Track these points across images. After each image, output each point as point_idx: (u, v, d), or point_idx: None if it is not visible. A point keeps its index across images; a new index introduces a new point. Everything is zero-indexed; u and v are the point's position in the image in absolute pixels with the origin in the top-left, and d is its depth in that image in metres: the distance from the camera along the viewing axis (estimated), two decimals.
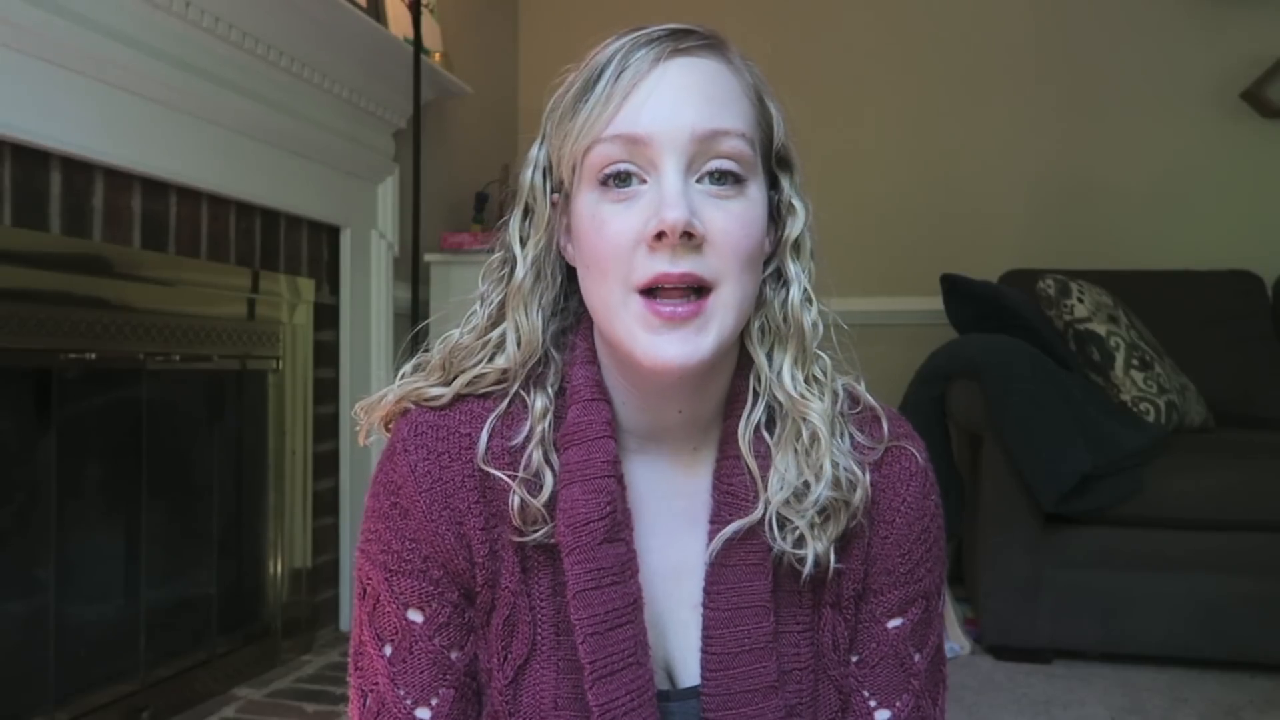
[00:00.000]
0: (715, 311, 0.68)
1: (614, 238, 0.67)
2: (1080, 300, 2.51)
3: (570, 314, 0.78)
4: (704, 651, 0.72)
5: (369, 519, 0.74)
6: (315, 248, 2.31)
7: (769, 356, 0.75)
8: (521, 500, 0.70)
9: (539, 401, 0.73)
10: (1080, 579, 2.18)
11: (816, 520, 0.72)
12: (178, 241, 1.86)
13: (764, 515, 0.72)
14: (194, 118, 1.84)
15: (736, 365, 0.76)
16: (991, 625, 2.23)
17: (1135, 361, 2.45)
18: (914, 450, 0.77)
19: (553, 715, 0.70)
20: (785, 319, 0.74)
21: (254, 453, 2.15)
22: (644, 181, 0.68)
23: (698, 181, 0.68)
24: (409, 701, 0.71)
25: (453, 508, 0.71)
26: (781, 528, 0.72)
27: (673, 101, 0.67)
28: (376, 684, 0.72)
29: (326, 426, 2.34)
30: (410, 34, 2.46)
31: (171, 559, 1.92)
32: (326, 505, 2.34)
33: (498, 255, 0.77)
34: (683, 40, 0.69)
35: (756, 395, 0.75)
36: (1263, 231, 3.01)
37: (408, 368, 0.78)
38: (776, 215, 0.75)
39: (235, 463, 2.11)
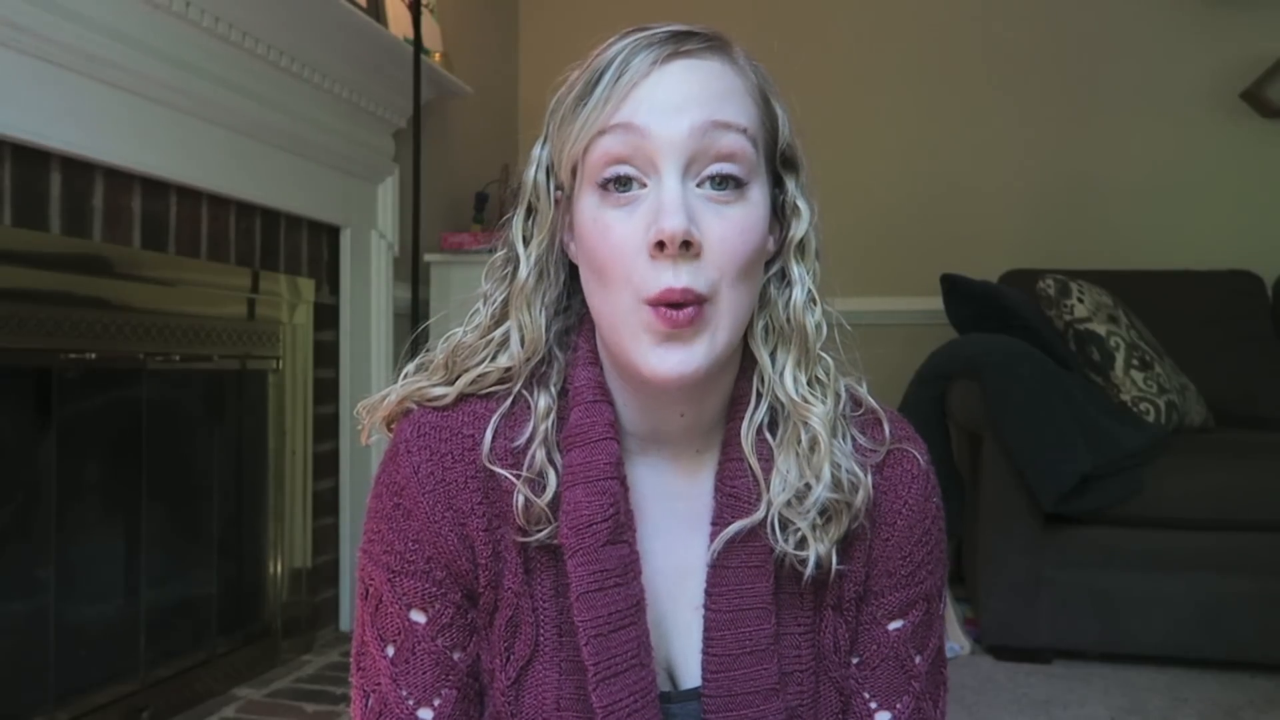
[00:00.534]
0: (710, 321, 0.67)
1: (618, 246, 0.67)
2: (1080, 300, 2.51)
3: (573, 313, 0.77)
4: (705, 653, 0.72)
5: (371, 519, 0.74)
6: (315, 248, 2.31)
7: (772, 357, 0.75)
8: (525, 500, 0.70)
9: (542, 401, 0.73)
10: (1080, 579, 2.18)
11: (818, 521, 0.72)
12: (178, 241, 1.86)
13: (766, 517, 0.72)
14: (194, 118, 1.84)
15: (740, 366, 0.76)
16: (991, 625, 2.23)
17: (1135, 361, 2.45)
18: (916, 453, 0.77)
19: (555, 716, 0.70)
20: (789, 320, 0.74)
21: (254, 453, 2.15)
22: (644, 185, 0.67)
23: (698, 186, 0.67)
24: (411, 702, 0.71)
25: (456, 509, 0.71)
26: (783, 529, 0.72)
27: (673, 98, 0.67)
28: (379, 684, 0.72)
29: (326, 426, 2.34)
30: (410, 34, 2.46)
31: (171, 559, 1.92)
32: (326, 505, 2.34)
33: (500, 254, 0.77)
34: (684, 42, 0.68)
35: (759, 396, 0.75)
36: (1263, 231, 3.01)
37: (410, 367, 0.78)
38: (781, 215, 0.75)
39: (235, 463, 2.10)
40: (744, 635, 0.71)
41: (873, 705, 0.76)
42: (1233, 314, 2.83)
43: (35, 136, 1.51)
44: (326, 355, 2.34)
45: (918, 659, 0.77)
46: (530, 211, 0.75)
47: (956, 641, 2.25)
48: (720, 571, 0.72)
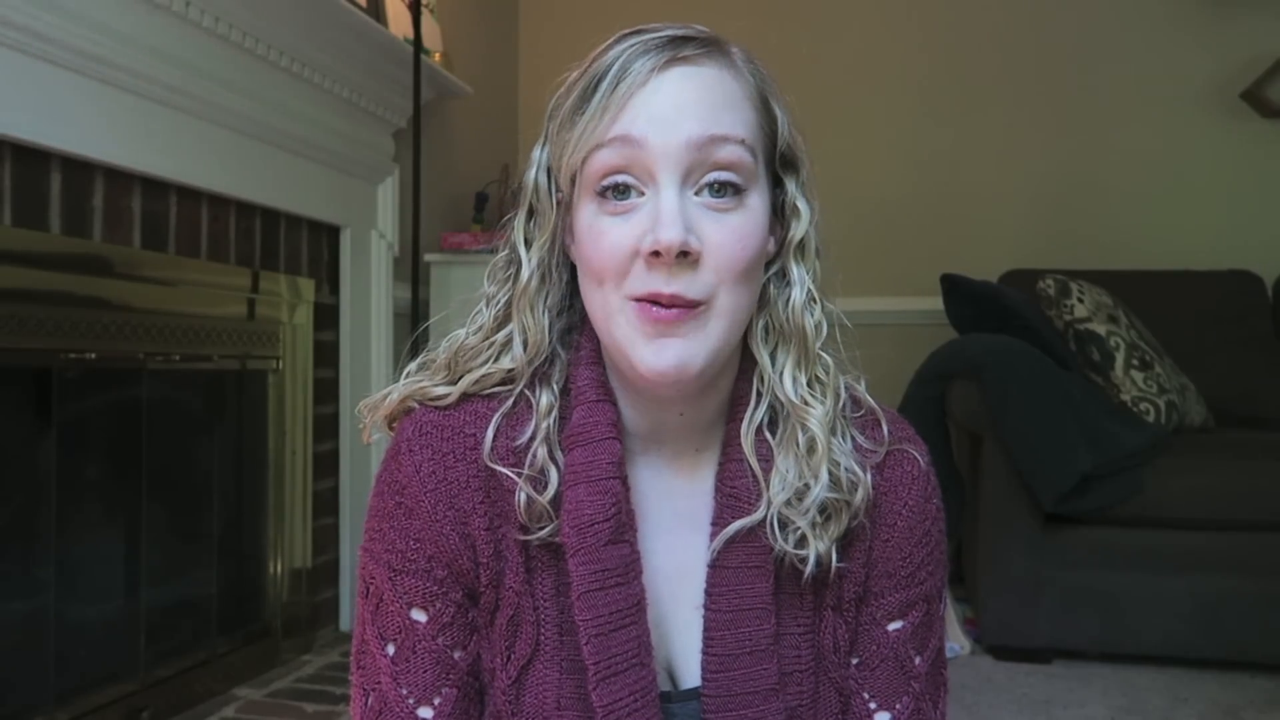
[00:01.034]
0: (707, 323, 0.68)
1: (610, 249, 0.67)
2: (1080, 300, 2.51)
3: (576, 312, 0.77)
4: (705, 653, 0.72)
5: (373, 518, 0.74)
6: (315, 248, 2.31)
7: (772, 357, 0.75)
8: (527, 497, 0.70)
9: (544, 398, 0.73)
10: (1080, 579, 2.18)
11: (818, 520, 0.72)
12: (178, 241, 1.86)
13: (766, 516, 0.72)
14: (194, 118, 1.84)
15: (739, 367, 0.76)
16: (991, 625, 2.23)
17: (1135, 361, 2.45)
18: (916, 454, 0.77)
19: (555, 715, 0.70)
20: (788, 320, 0.74)
21: (254, 453, 2.15)
22: (642, 194, 0.67)
23: (696, 194, 0.67)
24: (411, 701, 0.71)
25: (457, 508, 0.71)
26: (783, 528, 0.72)
27: (670, 109, 0.66)
28: (379, 683, 0.72)
29: (326, 426, 2.34)
30: (410, 34, 2.46)
31: (171, 559, 1.92)
32: (326, 505, 2.34)
33: (502, 255, 0.77)
34: (682, 48, 0.68)
35: (759, 396, 0.75)
36: (1263, 231, 3.01)
37: (412, 366, 0.78)
38: (780, 216, 0.75)
39: (235, 463, 2.11)
40: (744, 635, 0.71)
41: (872, 706, 0.76)
42: (1233, 314, 2.83)
43: (35, 136, 1.51)
44: (326, 355, 2.34)
45: (917, 660, 0.77)
46: (531, 213, 0.75)
47: (956, 641, 2.25)
48: (720, 571, 0.72)
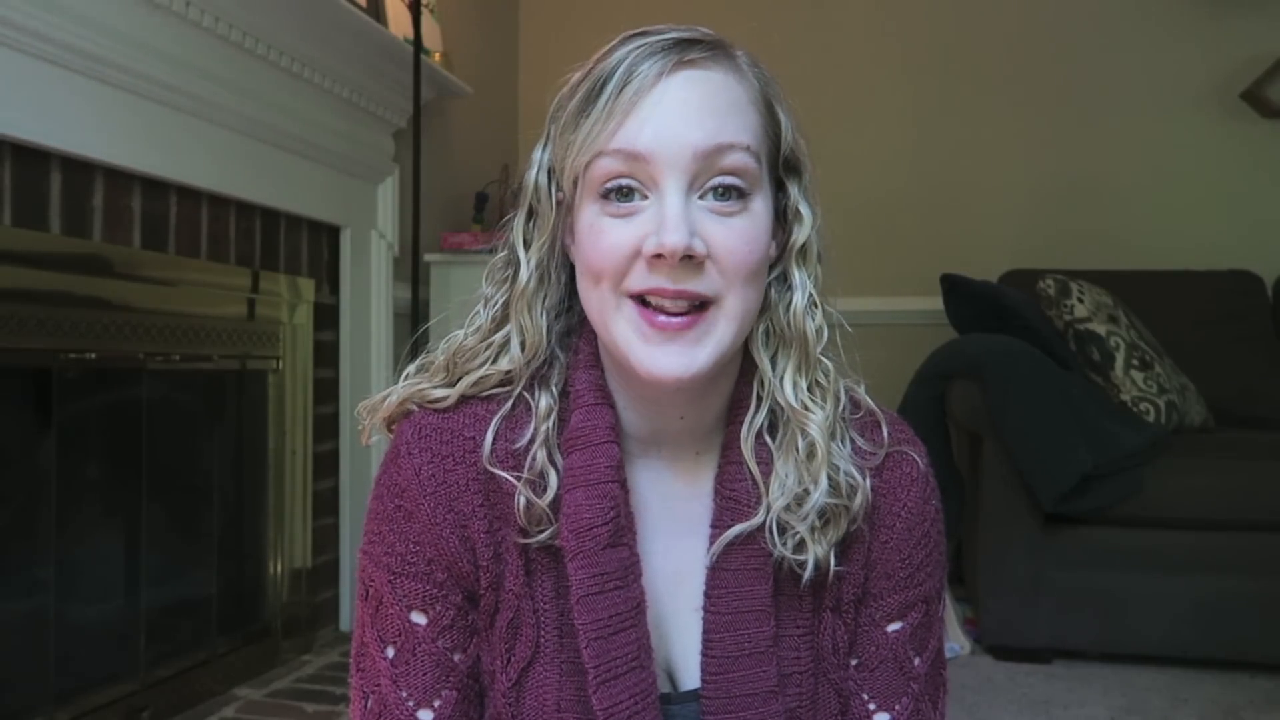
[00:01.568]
0: (716, 323, 0.68)
1: (610, 248, 0.67)
2: (1080, 300, 2.51)
3: (575, 314, 0.77)
4: (704, 655, 0.72)
5: (372, 520, 0.74)
6: (315, 248, 2.31)
7: (772, 361, 0.75)
8: (527, 500, 0.70)
9: (543, 401, 0.73)
10: (1080, 579, 2.18)
11: (817, 524, 0.72)
12: (178, 241, 1.86)
13: (765, 520, 0.72)
14: (194, 118, 1.84)
15: (740, 370, 0.76)
16: (991, 625, 2.23)
17: (1135, 361, 2.45)
18: (915, 455, 0.78)
19: (555, 718, 0.71)
20: (789, 324, 0.74)
21: (254, 453, 2.15)
22: (645, 198, 0.67)
23: (700, 198, 0.67)
24: (411, 703, 0.71)
25: (457, 511, 0.71)
26: (782, 533, 0.72)
27: (675, 118, 0.66)
28: (379, 685, 0.72)
29: (326, 426, 2.34)
30: (410, 34, 2.46)
31: (171, 559, 1.92)
32: (326, 505, 2.34)
33: (501, 256, 0.77)
34: (687, 50, 0.68)
35: (759, 400, 0.75)
36: (1263, 231, 3.01)
37: (411, 368, 0.78)
38: (783, 220, 0.75)
39: (235, 463, 2.11)
40: (743, 637, 0.71)
41: (872, 706, 0.76)
42: (1233, 314, 2.83)
43: (35, 136, 1.51)
44: (326, 355, 2.34)
45: (917, 660, 0.77)
46: (531, 214, 0.75)
47: (956, 641, 2.25)
48: (719, 574, 0.72)
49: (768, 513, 0.72)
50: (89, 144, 1.61)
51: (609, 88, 0.67)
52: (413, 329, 2.52)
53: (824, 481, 0.71)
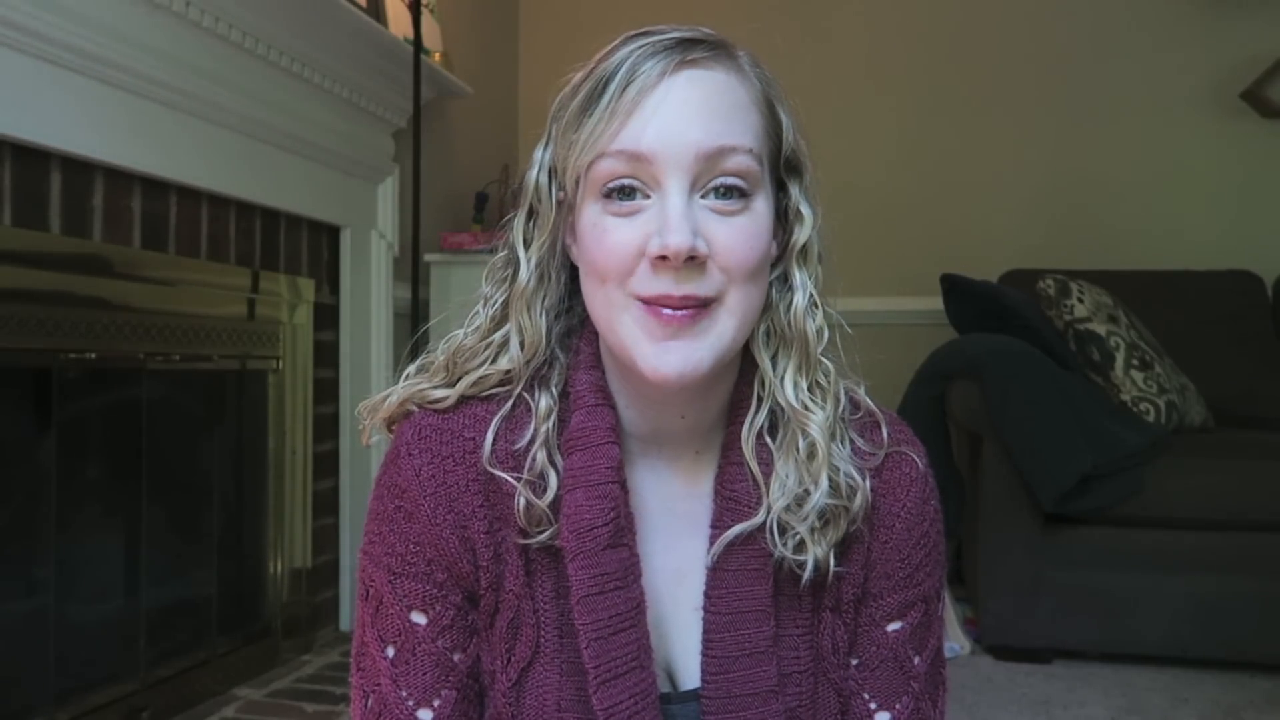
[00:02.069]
0: (718, 320, 0.68)
1: (615, 248, 0.67)
2: (1080, 300, 2.51)
3: (575, 315, 0.77)
4: (704, 655, 0.72)
5: (372, 521, 0.74)
6: (315, 248, 2.31)
7: (773, 361, 0.75)
8: (526, 501, 0.70)
9: (543, 402, 0.73)
10: (1080, 579, 2.18)
11: (816, 525, 0.72)
12: (178, 241, 1.86)
13: (765, 521, 0.72)
14: (194, 118, 1.84)
15: (740, 370, 0.76)
16: (991, 625, 2.23)
17: (1135, 361, 2.45)
18: (914, 456, 0.78)
19: (555, 718, 0.71)
20: (790, 325, 0.74)
21: (254, 453, 2.15)
22: (647, 197, 0.67)
23: (702, 197, 0.67)
24: (411, 703, 0.71)
25: (457, 511, 0.71)
26: (782, 533, 0.72)
27: (678, 119, 0.66)
28: (379, 685, 0.72)
29: (326, 426, 2.34)
30: (410, 34, 2.46)
31: (171, 559, 1.92)
32: (326, 505, 2.34)
33: (501, 255, 0.77)
34: (690, 50, 0.68)
35: (760, 400, 0.75)
36: (1263, 231, 3.01)
37: (412, 368, 0.78)
38: (784, 220, 0.75)
39: (235, 463, 2.11)
40: (743, 637, 0.71)
41: (872, 706, 0.76)
42: (1233, 314, 2.83)
43: (35, 136, 1.51)
44: (326, 355, 2.34)
45: (916, 660, 0.77)
46: (531, 213, 0.75)
47: (956, 641, 2.25)
48: (719, 574, 0.73)
49: (768, 513, 0.72)
50: (89, 144, 1.61)
51: (611, 87, 0.67)
52: (413, 329, 2.52)
53: (824, 482, 0.71)
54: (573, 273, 0.76)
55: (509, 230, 0.76)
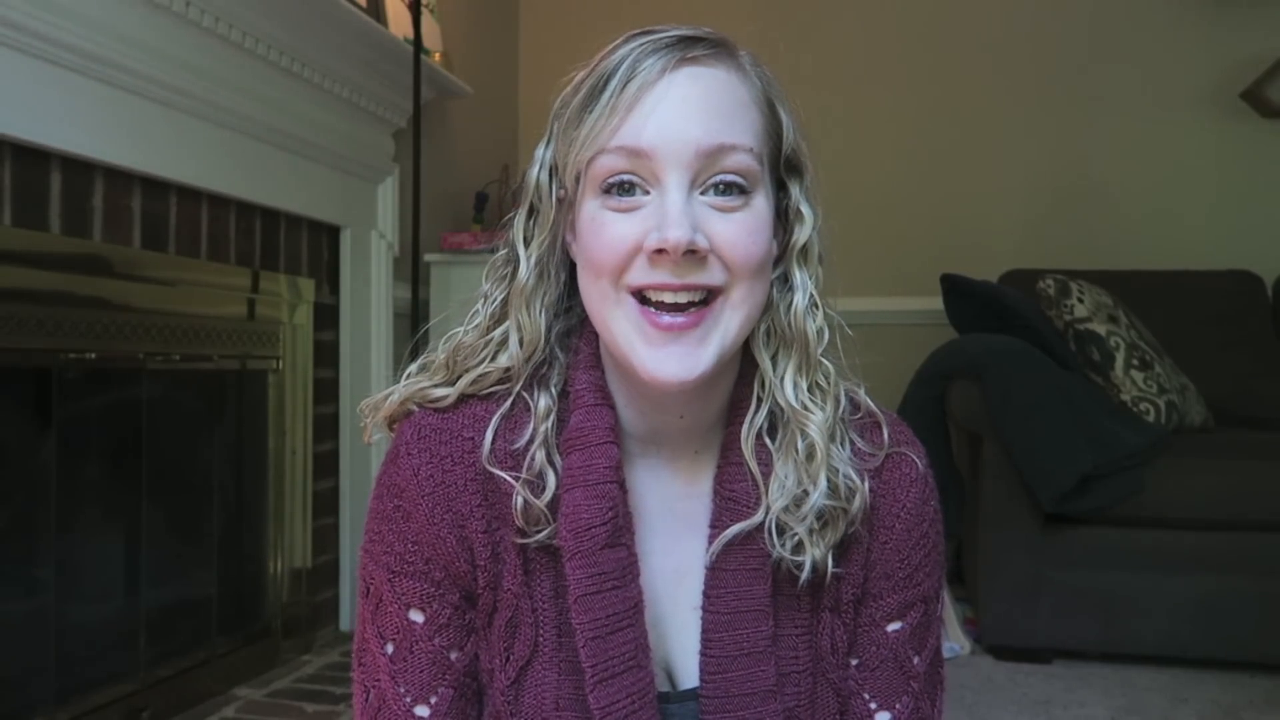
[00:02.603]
0: (721, 316, 0.68)
1: (612, 241, 0.67)
2: (1080, 300, 2.51)
3: (575, 315, 0.77)
4: (703, 654, 0.72)
5: (372, 520, 0.75)
6: (315, 248, 2.31)
7: (773, 361, 0.75)
8: (524, 501, 0.70)
9: (542, 402, 0.73)
10: (1080, 579, 2.18)
11: (815, 526, 0.72)
12: (178, 241, 1.86)
13: (764, 521, 0.72)
14: (194, 118, 1.84)
15: (740, 370, 0.76)
16: (991, 625, 2.23)
17: (1135, 361, 2.45)
18: (914, 456, 0.78)
19: (554, 716, 0.71)
20: (790, 325, 0.74)
21: (254, 453, 2.15)
22: (647, 193, 0.67)
23: (702, 194, 0.67)
24: (409, 699, 0.72)
25: (455, 511, 0.71)
26: (780, 534, 0.72)
27: (678, 115, 0.66)
28: (378, 681, 0.73)
29: (326, 426, 2.34)
30: (410, 34, 2.46)
31: (171, 559, 1.92)
32: (326, 505, 2.34)
33: (501, 253, 0.77)
34: (691, 48, 0.68)
35: (759, 400, 0.75)
36: (1263, 231, 3.01)
37: (413, 367, 0.78)
38: (784, 220, 0.75)
39: (235, 463, 2.11)
40: (742, 637, 0.72)
41: (872, 706, 0.76)
42: (1233, 314, 2.83)
43: (35, 136, 1.51)
44: (326, 355, 2.34)
45: (916, 660, 0.77)
46: (532, 212, 0.75)
47: (956, 641, 2.25)
48: (718, 574, 0.73)
49: (767, 513, 0.72)
50: (89, 144, 1.61)
51: (612, 84, 0.67)
52: (413, 329, 2.52)
53: (823, 483, 0.71)
54: (573, 271, 0.76)
55: (510, 229, 0.77)
